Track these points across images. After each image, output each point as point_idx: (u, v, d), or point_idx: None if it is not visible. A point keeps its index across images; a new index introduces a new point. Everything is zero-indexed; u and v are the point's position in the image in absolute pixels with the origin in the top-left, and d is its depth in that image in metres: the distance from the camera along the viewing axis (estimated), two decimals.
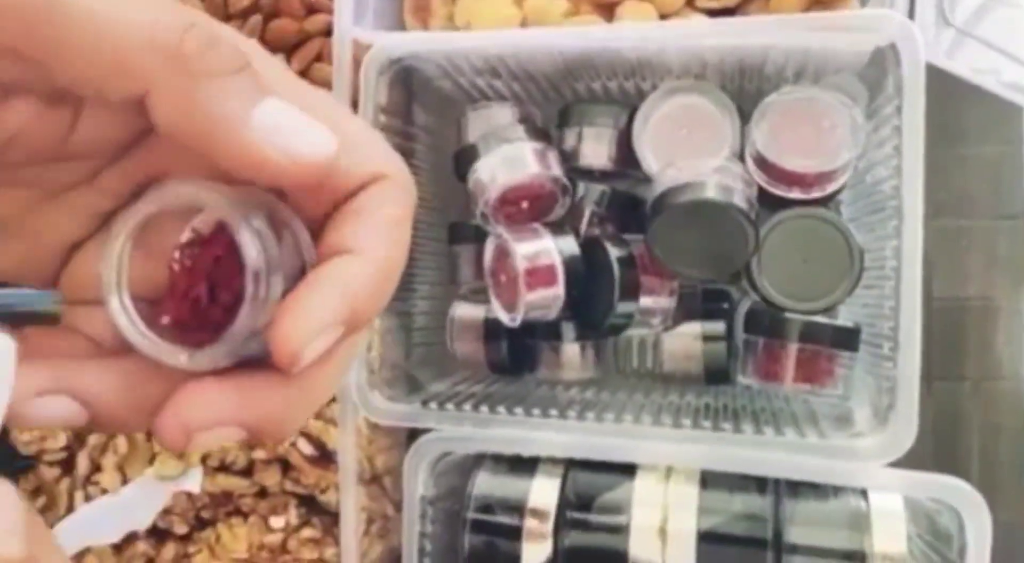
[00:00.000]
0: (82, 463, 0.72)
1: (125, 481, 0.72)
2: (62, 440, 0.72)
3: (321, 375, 0.27)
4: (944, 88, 0.58)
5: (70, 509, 0.72)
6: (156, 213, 0.27)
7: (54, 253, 0.29)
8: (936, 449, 0.56)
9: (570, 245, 0.63)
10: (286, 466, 0.71)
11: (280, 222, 0.27)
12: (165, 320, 0.27)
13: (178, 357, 0.26)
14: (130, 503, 0.71)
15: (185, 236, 0.28)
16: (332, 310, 0.26)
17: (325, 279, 0.26)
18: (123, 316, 0.26)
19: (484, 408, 0.64)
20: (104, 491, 0.71)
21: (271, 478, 0.70)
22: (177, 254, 0.28)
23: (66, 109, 0.26)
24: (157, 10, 0.24)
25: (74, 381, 0.26)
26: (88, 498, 0.72)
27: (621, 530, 0.59)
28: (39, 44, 0.24)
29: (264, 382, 0.26)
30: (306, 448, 0.70)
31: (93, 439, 0.72)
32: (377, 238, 0.27)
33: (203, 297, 0.27)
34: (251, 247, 0.25)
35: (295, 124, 0.25)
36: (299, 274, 0.27)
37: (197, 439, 0.25)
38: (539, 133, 0.65)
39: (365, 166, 0.28)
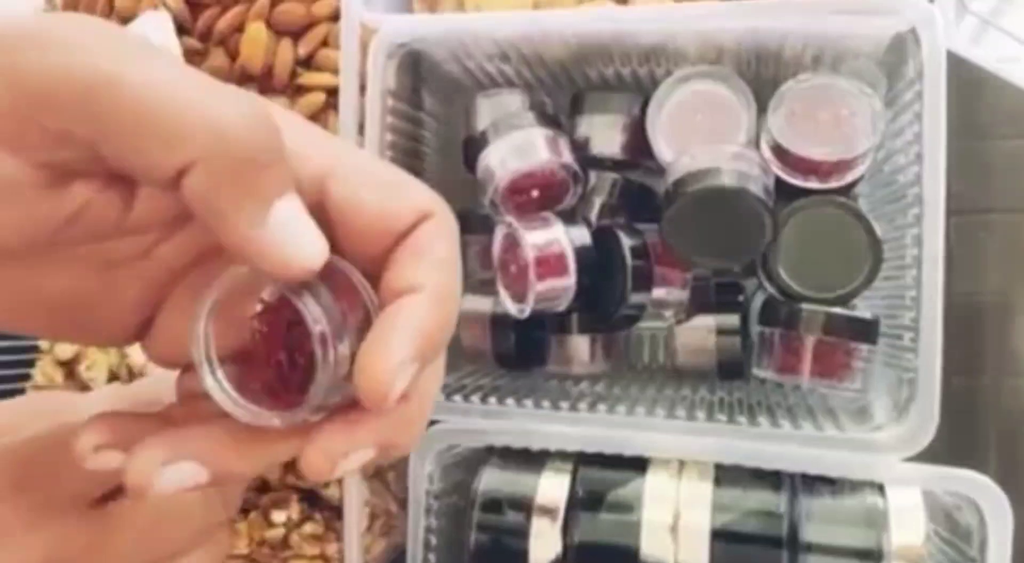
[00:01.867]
0: None
1: None
2: None
3: (414, 404, 0.29)
4: (963, 80, 0.56)
5: None
6: (225, 295, 0.29)
7: (122, 326, 0.31)
8: (954, 446, 0.54)
9: (582, 234, 0.62)
10: (288, 461, 0.69)
11: (339, 276, 0.29)
12: (255, 386, 0.29)
13: (272, 421, 0.28)
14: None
15: (257, 307, 0.30)
16: (409, 349, 0.27)
17: (398, 321, 0.28)
18: (218, 391, 0.28)
19: (492, 400, 0.63)
20: None
21: (273, 472, 0.69)
22: (255, 324, 0.30)
23: (124, 187, 0.28)
24: (214, 89, 0.26)
25: (191, 446, 0.28)
26: None
27: (632, 527, 0.58)
28: (91, 124, 0.25)
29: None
30: None
31: None
32: (438, 276, 0.29)
33: (284, 362, 0.29)
34: (312, 314, 0.28)
35: (303, 229, 0.27)
36: (365, 320, 0.29)
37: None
38: (550, 120, 0.64)
39: (413, 206, 0.29)
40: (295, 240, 0.27)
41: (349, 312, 0.29)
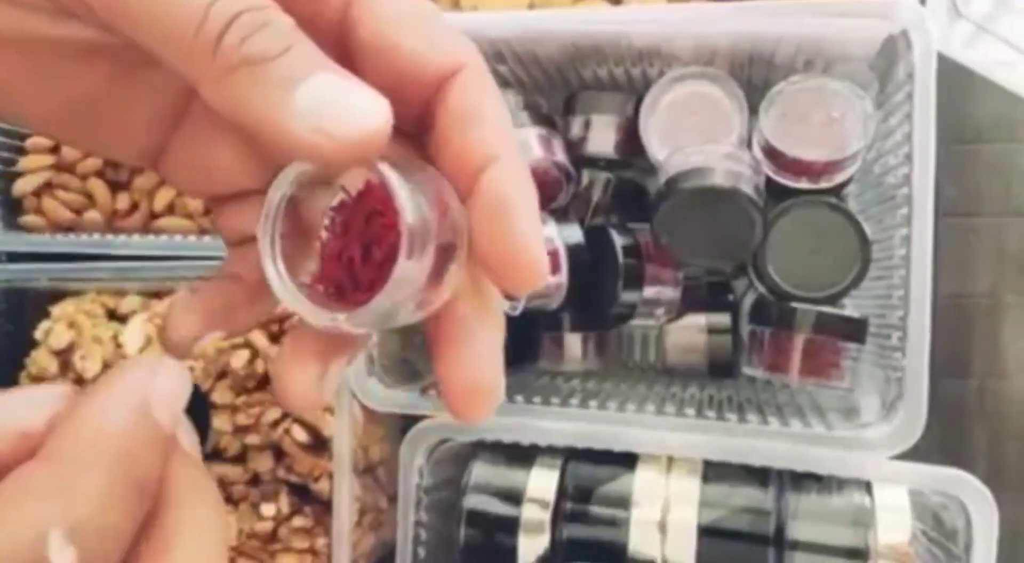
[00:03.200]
0: None
1: None
2: None
3: None
4: (953, 84, 0.57)
5: None
6: (306, 178, 0.27)
7: (136, 142, 0.30)
8: (941, 447, 0.55)
9: (574, 233, 0.62)
10: (279, 453, 0.70)
11: (428, 181, 0.27)
12: (318, 284, 0.28)
13: (336, 319, 0.26)
14: None
15: (336, 199, 0.28)
16: (536, 224, 0.26)
17: (511, 197, 0.26)
18: (279, 283, 0.27)
19: None
20: None
21: (264, 465, 0.69)
22: (328, 217, 0.28)
23: None
24: None
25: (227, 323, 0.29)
26: None
27: (620, 523, 0.58)
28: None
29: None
30: (300, 435, 0.68)
31: None
32: (508, 139, 0.27)
33: (357, 258, 0.27)
34: (408, 205, 0.25)
35: (341, 98, 0.24)
36: (450, 239, 0.26)
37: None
38: (544, 119, 0.65)
39: (452, 55, 0.27)
40: (343, 113, 0.24)
41: (439, 218, 0.26)
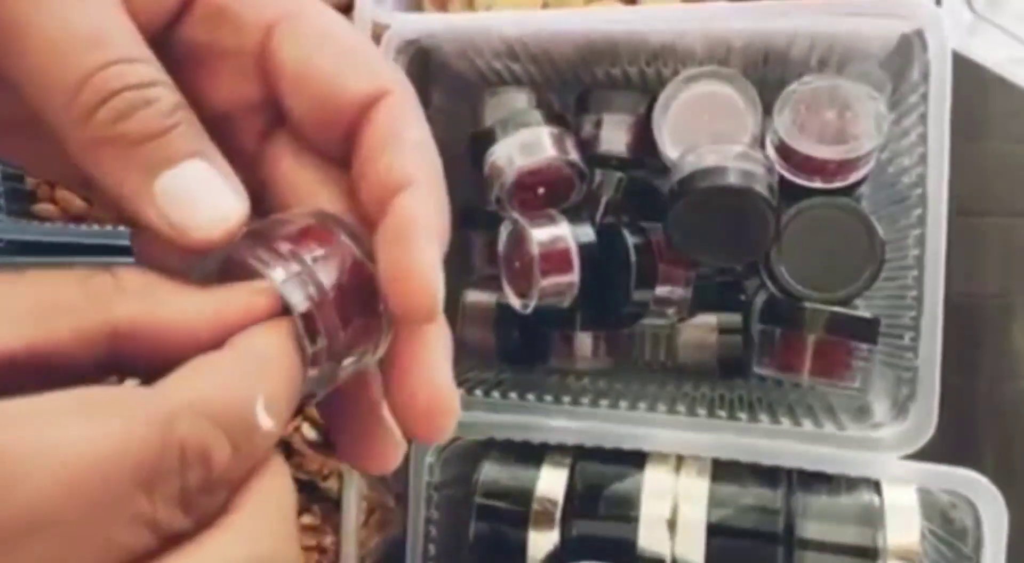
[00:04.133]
0: None
1: None
2: None
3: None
4: (963, 83, 0.57)
5: None
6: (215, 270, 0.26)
7: (68, 170, 0.28)
8: (951, 448, 0.55)
9: (586, 232, 0.62)
10: (288, 451, 0.70)
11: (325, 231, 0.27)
12: None
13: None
14: None
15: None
16: (436, 251, 0.26)
17: (416, 223, 0.26)
18: None
19: (495, 394, 0.63)
20: None
21: None
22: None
23: None
24: (102, 48, 0.24)
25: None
26: None
27: (629, 521, 0.58)
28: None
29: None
30: (310, 433, 0.68)
31: None
32: (427, 164, 0.28)
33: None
34: (291, 296, 0.25)
35: (199, 194, 0.25)
36: (353, 280, 0.26)
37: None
38: (557, 118, 0.65)
39: (373, 81, 0.27)
40: (199, 206, 0.25)
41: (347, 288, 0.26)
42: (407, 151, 0.27)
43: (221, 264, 0.26)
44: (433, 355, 0.27)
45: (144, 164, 0.24)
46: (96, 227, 0.75)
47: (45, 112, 0.24)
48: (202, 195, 0.25)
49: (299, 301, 0.24)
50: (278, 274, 0.25)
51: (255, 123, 0.30)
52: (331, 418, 0.29)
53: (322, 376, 0.25)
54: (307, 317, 0.24)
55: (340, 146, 0.28)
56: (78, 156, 0.25)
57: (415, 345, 0.27)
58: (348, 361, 0.26)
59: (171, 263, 0.26)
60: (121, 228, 0.74)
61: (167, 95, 0.25)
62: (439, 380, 0.27)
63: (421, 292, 0.25)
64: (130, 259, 0.68)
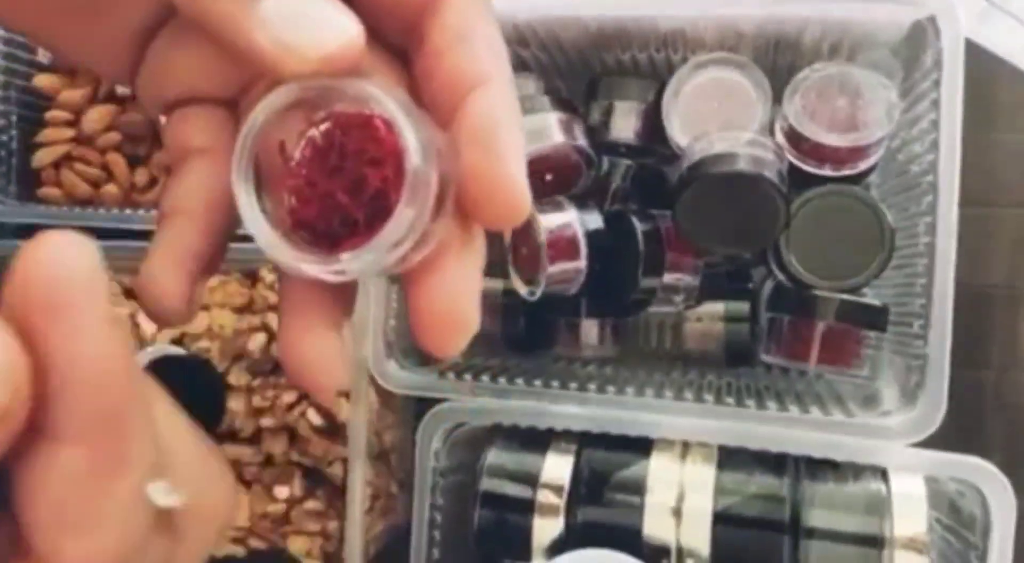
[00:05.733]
0: None
1: None
2: None
3: None
4: (974, 71, 0.57)
5: None
6: (274, 116, 0.24)
7: (128, 40, 0.28)
8: (958, 437, 0.55)
9: (594, 218, 0.62)
10: (293, 436, 0.70)
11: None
12: (289, 223, 0.25)
13: (306, 261, 0.24)
14: None
15: (316, 129, 0.25)
16: (520, 154, 0.25)
17: (497, 126, 0.25)
18: (249, 208, 0.25)
19: (502, 380, 0.63)
20: None
21: (278, 447, 0.69)
22: (301, 153, 0.25)
23: None
24: None
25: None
26: None
27: (635, 508, 0.58)
28: None
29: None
30: (315, 419, 0.68)
31: None
32: (498, 60, 0.26)
33: (344, 200, 0.25)
34: (414, 145, 0.23)
35: (310, 10, 0.23)
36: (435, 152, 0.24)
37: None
38: (565, 104, 0.64)
39: None
40: (310, 27, 0.23)
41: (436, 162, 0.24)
42: (482, 46, 0.26)
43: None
44: (464, 268, 0.26)
45: None
46: (102, 211, 0.75)
47: None
48: (314, 12, 0.23)
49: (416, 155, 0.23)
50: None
51: None
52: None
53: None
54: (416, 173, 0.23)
55: (401, 35, 0.27)
56: None
57: (447, 255, 0.25)
58: (402, 250, 0.24)
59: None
60: (128, 211, 0.74)
61: None
62: (461, 294, 0.25)
63: (513, 201, 0.24)
64: (134, 243, 0.67)
